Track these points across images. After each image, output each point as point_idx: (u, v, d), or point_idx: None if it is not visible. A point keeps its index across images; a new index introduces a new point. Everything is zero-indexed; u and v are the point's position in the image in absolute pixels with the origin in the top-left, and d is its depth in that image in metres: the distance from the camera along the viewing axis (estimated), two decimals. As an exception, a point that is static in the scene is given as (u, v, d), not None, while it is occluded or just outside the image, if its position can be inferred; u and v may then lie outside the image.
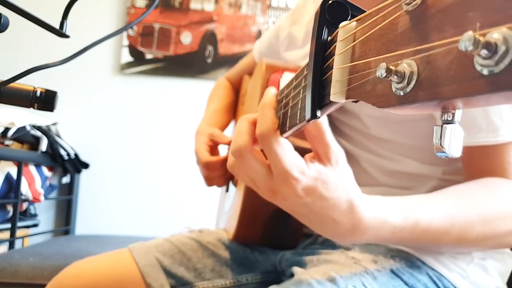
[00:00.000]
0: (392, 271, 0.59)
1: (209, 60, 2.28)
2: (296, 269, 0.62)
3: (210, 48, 2.28)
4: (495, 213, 0.54)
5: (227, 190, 0.97)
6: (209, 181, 0.88)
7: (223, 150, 0.94)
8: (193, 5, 2.29)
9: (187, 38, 2.28)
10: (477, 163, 0.60)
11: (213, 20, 2.29)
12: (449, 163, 0.67)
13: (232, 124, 1.08)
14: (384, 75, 0.24)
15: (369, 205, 0.47)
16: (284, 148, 0.43)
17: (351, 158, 0.73)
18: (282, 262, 0.73)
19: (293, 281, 0.57)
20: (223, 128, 1.01)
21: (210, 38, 2.29)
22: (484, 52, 0.18)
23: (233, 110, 1.08)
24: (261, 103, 0.46)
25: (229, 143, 0.86)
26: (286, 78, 0.71)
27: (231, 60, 2.23)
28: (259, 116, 0.45)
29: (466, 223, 0.52)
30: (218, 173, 0.85)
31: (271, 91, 0.47)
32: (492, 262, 0.64)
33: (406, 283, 0.58)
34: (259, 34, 2.27)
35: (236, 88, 1.12)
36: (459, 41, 0.18)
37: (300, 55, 0.85)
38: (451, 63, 0.20)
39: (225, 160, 0.85)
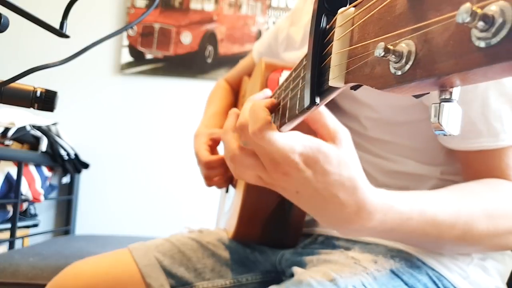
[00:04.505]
0: (392, 271, 0.59)
1: (209, 60, 2.28)
2: (296, 269, 0.62)
3: (210, 48, 2.28)
4: (498, 210, 0.54)
5: (227, 191, 0.97)
6: (209, 181, 0.87)
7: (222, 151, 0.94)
8: (193, 5, 2.29)
9: (187, 38, 2.28)
10: (476, 165, 0.60)
11: (213, 20, 2.29)
12: (447, 163, 0.67)
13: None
14: (382, 54, 0.24)
15: (374, 190, 0.46)
16: (278, 135, 0.44)
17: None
18: (282, 262, 0.73)
19: (293, 281, 0.57)
20: None
21: (210, 38, 2.29)
22: (481, 24, 0.18)
23: None
24: (253, 103, 0.47)
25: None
26: (285, 77, 0.71)
27: (231, 60, 2.23)
28: (251, 114, 0.45)
29: (472, 217, 0.52)
30: (218, 172, 0.85)
31: (266, 93, 0.51)
32: (492, 263, 0.65)
33: (406, 283, 0.58)
34: (259, 34, 2.27)
35: (236, 90, 1.12)
36: (456, 15, 0.19)
37: (298, 56, 0.85)
38: (448, 39, 0.20)
39: (224, 159, 0.85)
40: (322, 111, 0.45)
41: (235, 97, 1.11)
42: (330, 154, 0.44)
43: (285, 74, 0.71)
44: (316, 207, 0.48)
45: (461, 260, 0.63)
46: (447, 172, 0.67)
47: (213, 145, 0.89)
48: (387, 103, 0.66)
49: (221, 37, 2.29)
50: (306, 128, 0.47)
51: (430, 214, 0.49)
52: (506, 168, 0.58)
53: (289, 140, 0.44)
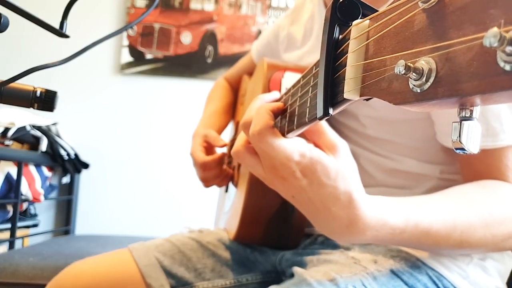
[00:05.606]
0: (392, 271, 0.59)
1: (209, 60, 2.28)
2: (296, 269, 0.62)
3: (210, 48, 2.28)
4: (495, 216, 0.53)
5: (226, 190, 0.97)
6: (207, 182, 0.87)
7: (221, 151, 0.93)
8: (193, 5, 2.29)
9: (187, 38, 2.28)
10: (475, 166, 0.60)
11: (213, 20, 2.29)
12: (447, 162, 0.67)
13: (231, 125, 1.07)
14: (402, 72, 0.24)
15: (370, 204, 0.46)
16: (281, 138, 0.44)
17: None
18: (282, 262, 0.73)
19: (293, 281, 0.57)
20: (221, 129, 0.99)
21: (210, 38, 2.29)
22: (509, 48, 0.18)
23: (231, 111, 1.08)
24: (259, 105, 0.47)
25: (222, 146, 0.86)
26: (288, 77, 0.71)
27: (231, 60, 2.23)
28: (255, 116, 0.46)
29: (469, 226, 0.52)
30: (214, 173, 0.85)
31: (274, 95, 0.51)
32: (492, 262, 0.65)
33: (406, 283, 0.58)
34: (259, 34, 2.27)
35: (235, 88, 1.12)
36: (482, 38, 0.18)
37: (299, 55, 0.85)
38: (472, 59, 0.20)
39: (220, 158, 0.84)
40: (321, 122, 0.45)
41: (235, 96, 1.11)
42: (328, 166, 0.44)
43: (287, 75, 0.71)
44: (309, 213, 0.48)
45: (460, 260, 0.63)
46: (446, 171, 0.67)
47: (209, 146, 0.88)
48: (386, 102, 0.66)
49: (221, 37, 2.29)
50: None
51: (425, 225, 0.49)
52: (505, 170, 0.58)
53: (288, 147, 0.44)
